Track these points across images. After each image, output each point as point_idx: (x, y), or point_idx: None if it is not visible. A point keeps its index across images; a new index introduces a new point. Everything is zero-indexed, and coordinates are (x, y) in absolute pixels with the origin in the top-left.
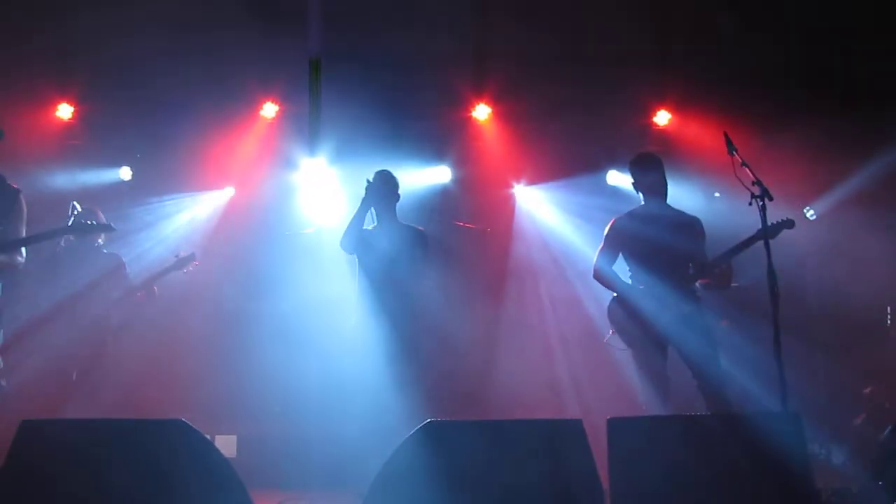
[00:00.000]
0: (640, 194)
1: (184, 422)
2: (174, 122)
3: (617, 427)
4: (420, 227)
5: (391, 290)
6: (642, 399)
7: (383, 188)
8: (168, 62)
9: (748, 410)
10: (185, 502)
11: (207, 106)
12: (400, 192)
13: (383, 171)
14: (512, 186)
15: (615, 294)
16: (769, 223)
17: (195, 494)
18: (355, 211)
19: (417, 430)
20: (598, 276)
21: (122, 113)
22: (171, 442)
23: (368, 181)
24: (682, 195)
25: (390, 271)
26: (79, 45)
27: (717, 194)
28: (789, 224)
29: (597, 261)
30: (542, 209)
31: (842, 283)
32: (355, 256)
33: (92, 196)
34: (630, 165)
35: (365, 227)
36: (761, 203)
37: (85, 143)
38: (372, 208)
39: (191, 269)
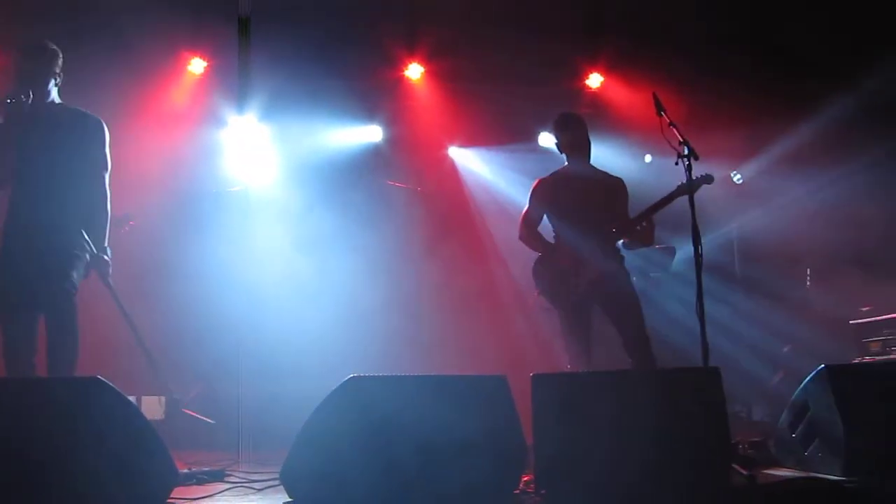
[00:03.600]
0: (564, 154)
1: (100, 379)
2: (97, 77)
3: (541, 383)
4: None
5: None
6: (567, 356)
7: (28, 61)
8: (92, 16)
9: (670, 367)
10: (101, 461)
11: (133, 62)
12: (59, 69)
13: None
14: (446, 147)
15: (540, 254)
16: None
17: (111, 453)
18: None
19: (340, 384)
20: (523, 238)
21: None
22: (85, 400)
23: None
24: (613, 157)
25: (50, 157)
26: None
27: (648, 158)
28: (708, 179)
29: (521, 222)
30: (476, 170)
31: (765, 245)
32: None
33: None
34: (552, 125)
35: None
36: (687, 163)
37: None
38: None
39: (127, 229)
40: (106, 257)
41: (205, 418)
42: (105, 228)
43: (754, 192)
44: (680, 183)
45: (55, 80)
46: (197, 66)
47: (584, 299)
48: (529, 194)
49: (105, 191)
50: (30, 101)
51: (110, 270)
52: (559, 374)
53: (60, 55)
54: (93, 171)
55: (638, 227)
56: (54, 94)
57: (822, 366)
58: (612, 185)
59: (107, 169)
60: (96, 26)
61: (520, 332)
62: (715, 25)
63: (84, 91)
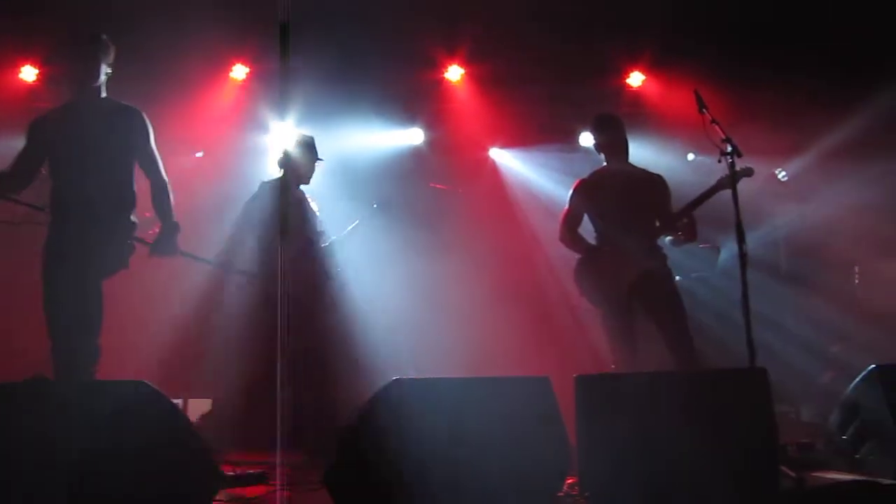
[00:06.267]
0: (602, 154)
1: (145, 383)
2: (141, 84)
3: (584, 384)
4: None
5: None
6: (612, 357)
7: (88, 50)
8: (134, 23)
9: (715, 367)
10: (146, 464)
11: (176, 68)
12: (111, 62)
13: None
14: (486, 149)
15: (581, 255)
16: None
17: (156, 456)
18: None
19: (383, 387)
20: (564, 239)
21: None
22: (131, 403)
23: None
24: (655, 156)
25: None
26: (40, 5)
27: (690, 156)
28: (748, 172)
29: (562, 224)
30: (517, 171)
31: (812, 241)
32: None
33: None
34: (590, 126)
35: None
36: (730, 160)
37: (51, 106)
38: None
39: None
40: (176, 236)
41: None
42: (167, 197)
43: (800, 188)
44: (721, 177)
45: (107, 73)
46: (239, 72)
47: (627, 300)
48: (570, 195)
49: (164, 180)
50: (93, 86)
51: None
52: (602, 376)
53: (113, 49)
54: (147, 166)
55: (680, 224)
56: (103, 89)
57: (874, 365)
58: (653, 183)
59: (157, 160)
60: (137, 39)
61: (564, 334)
62: (756, 21)
63: (128, 99)
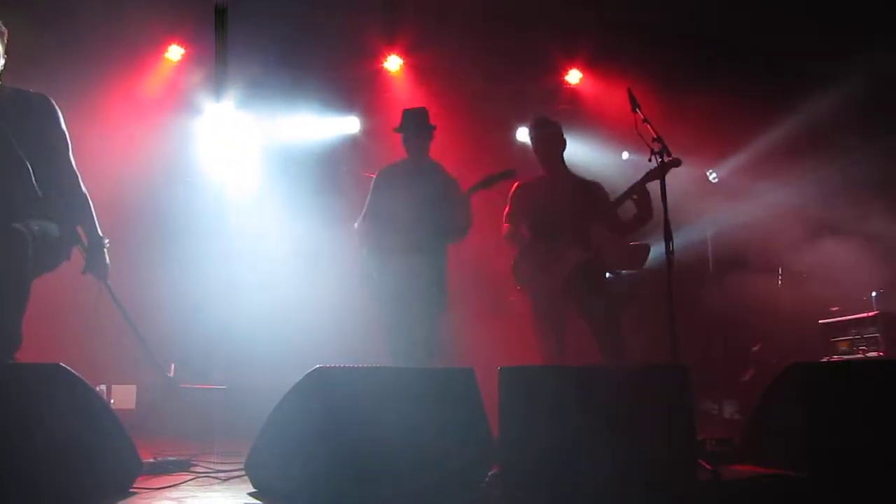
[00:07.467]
0: (538, 156)
1: (61, 366)
2: (71, 62)
3: (508, 375)
4: None
5: None
6: (540, 349)
7: None
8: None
9: (639, 363)
10: (62, 449)
11: (108, 47)
12: (4, 48)
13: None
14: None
15: (519, 251)
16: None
17: (73, 441)
18: None
19: (306, 375)
20: (507, 235)
21: (14, 51)
22: (47, 387)
23: None
24: (591, 153)
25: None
26: None
27: (625, 155)
28: (676, 163)
29: (504, 222)
30: (452, 163)
31: (738, 243)
32: None
33: None
34: (529, 129)
35: None
36: (660, 159)
37: None
38: None
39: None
40: (104, 252)
41: (216, 385)
42: (89, 212)
43: (729, 190)
44: (650, 169)
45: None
46: (174, 52)
47: (559, 293)
48: (510, 196)
49: (73, 170)
50: None
51: (108, 271)
52: (526, 368)
53: (6, 34)
54: (51, 155)
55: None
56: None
57: (791, 364)
58: (589, 190)
59: (67, 147)
60: (68, 16)
61: (494, 326)
62: (694, 23)
63: (57, 78)
